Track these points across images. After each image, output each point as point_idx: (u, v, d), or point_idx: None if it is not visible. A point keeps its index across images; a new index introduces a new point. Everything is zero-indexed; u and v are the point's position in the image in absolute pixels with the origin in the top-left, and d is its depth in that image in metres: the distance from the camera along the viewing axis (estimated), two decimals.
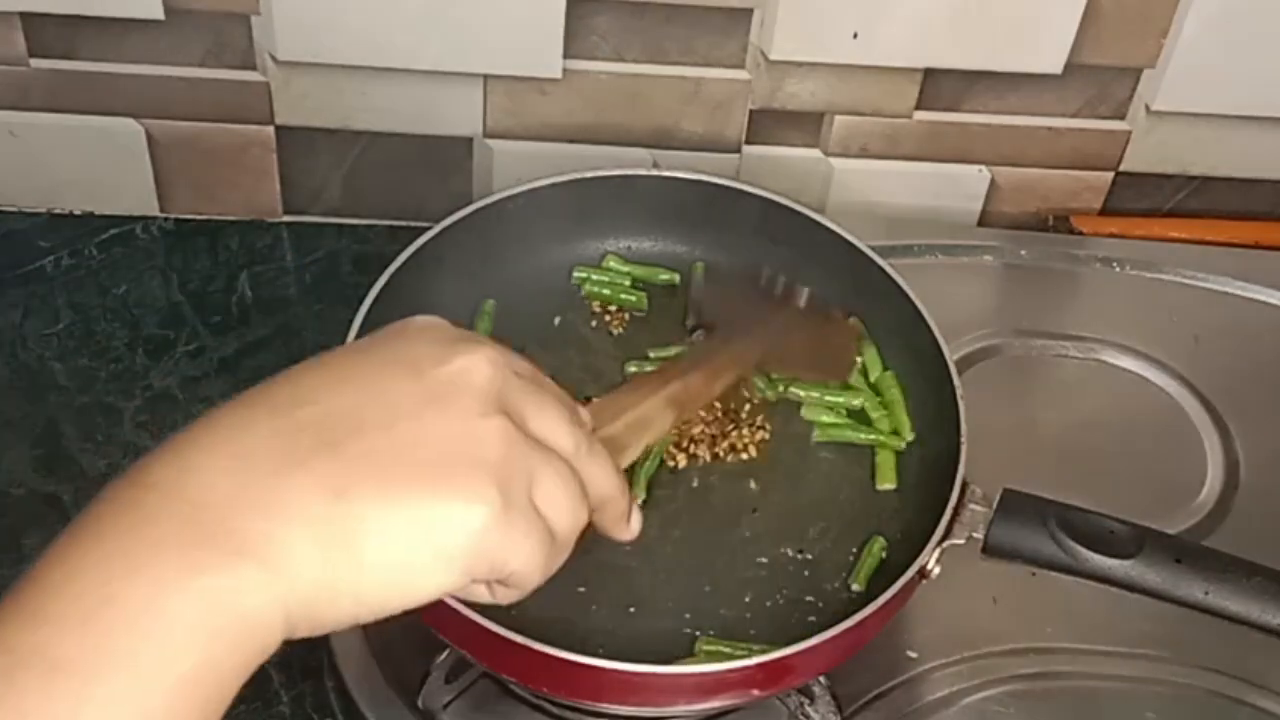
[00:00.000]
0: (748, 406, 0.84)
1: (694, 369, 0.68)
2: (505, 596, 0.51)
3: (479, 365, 0.49)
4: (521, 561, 0.48)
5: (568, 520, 0.50)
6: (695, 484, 0.81)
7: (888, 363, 0.85)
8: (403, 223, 0.99)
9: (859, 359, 0.85)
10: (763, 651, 0.69)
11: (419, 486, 0.46)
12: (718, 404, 0.83)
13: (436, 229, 0.82)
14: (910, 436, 0.83)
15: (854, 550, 0.79)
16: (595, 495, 0.52)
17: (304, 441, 0.45)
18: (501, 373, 0.50)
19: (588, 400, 0.60)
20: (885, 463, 0.82)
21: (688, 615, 0.76)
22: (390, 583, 0.45)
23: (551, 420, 0.51)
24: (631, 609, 0.76)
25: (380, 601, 0.46)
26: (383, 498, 0.45)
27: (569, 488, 0.50)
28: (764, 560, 0.78)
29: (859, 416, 0.84)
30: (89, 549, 0.42)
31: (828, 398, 0.84)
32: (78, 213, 1.00)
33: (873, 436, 0.83)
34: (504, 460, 0.47)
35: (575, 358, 0.86)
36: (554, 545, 0.50)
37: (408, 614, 0.47)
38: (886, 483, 0.81)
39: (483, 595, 0.50)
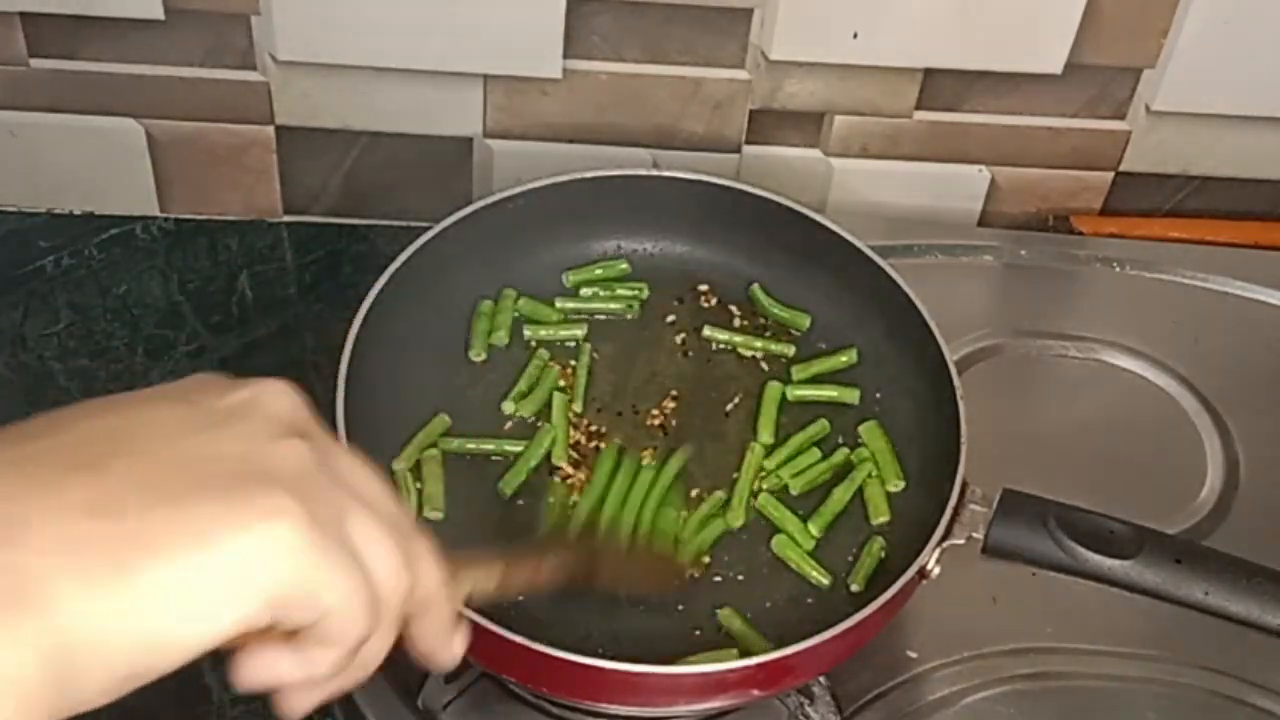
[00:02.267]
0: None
1: (530, 558, 0.64)
2: (318, 662, 0.42)
3: (275, 393, 0.43)
4: (337, 598, 0.40)
5: (390, 571, 0.42)
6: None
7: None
8: (403, 223, 0.99)
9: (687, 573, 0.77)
10: (762, 651, 0.69)
11: (205, 499, 0.39)
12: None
13: (436, 229, 0.82)
14: (900, 485, 0.81)
15: (854, 550, 0.79)
16: (418, 589, 0.45)
17: (52, 464, 0.38)
18: (302, 409, 0.43)
19: None
20: (875, 497, 0.80)
21: (688, 615, 0.76)
22: (177, 613, 0.37)
23: (368, 476, 0.44)
24: (632, 609, 0.76)
25: (168, 638, 0.38)
26: (159, 512, 0.38)
27: (391, 534, 0.43)
28: (764, 560, 0.78)
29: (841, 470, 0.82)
30: None
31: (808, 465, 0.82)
32: (78, 213, 1.00)
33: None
34: (304, 479, 0.41)
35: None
36: (374, 600, 0.41)
37: None
38: (880, 516, 0.79)
39: (287, 669, 0.42)
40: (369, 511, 0.43)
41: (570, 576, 0.66)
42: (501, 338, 0.85)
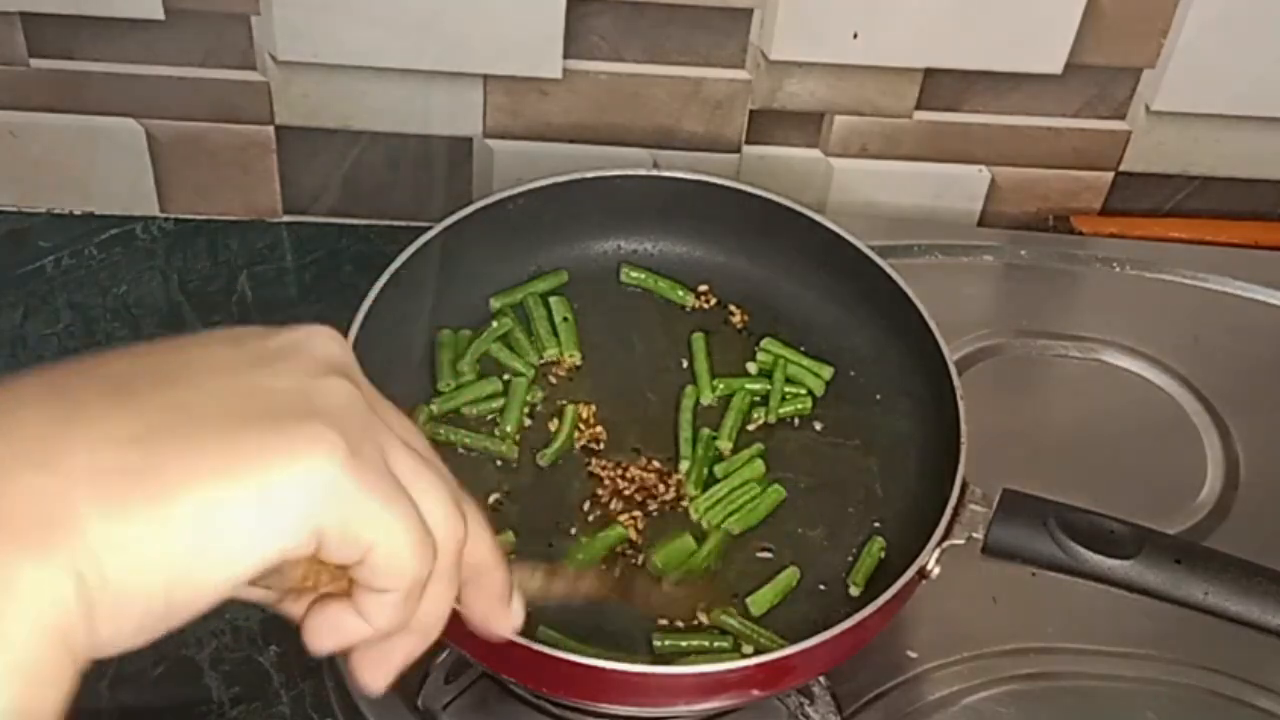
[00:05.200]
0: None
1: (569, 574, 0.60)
2: (376, 612, 0.41)
3: (323, 337, 0.43)
4: (383, 531, 0.40)
5: (443, 513, 0.42)
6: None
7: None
8: (403, 223, 0.99)
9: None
10: (763, 649, 0.69)
11: (244, 430, 0.38)
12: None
13: (436, 229, 0.82)
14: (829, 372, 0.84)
15: (853, 550, 0.79)
16: (473, 548, 0.44)
17: (87, 395, 0.38)
18: (349, 355, 0.43)
19: None
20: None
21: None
22: (211, 543, 0.37)
23: (416, 432, 0.44)
24: (631, 608, 0.76)
25: (204, 567, 0.37)
26: (192, 444, 0.37)
27: (442, 480, 0.42)
28: (766, 559, 0.78)
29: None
30: None
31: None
32: (78, 213, 1.00)
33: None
34: (349, 415, 0.40)
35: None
36: (426, 538, 0.41)
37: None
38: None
39: (350, 623, 0.42)
40: (418, 456, 0.42)
41: (604, 594, 0.63)
42: None
